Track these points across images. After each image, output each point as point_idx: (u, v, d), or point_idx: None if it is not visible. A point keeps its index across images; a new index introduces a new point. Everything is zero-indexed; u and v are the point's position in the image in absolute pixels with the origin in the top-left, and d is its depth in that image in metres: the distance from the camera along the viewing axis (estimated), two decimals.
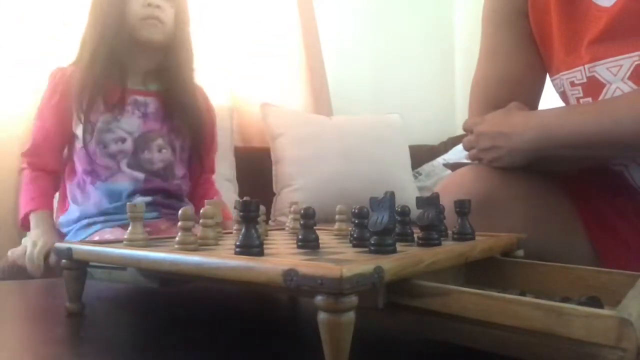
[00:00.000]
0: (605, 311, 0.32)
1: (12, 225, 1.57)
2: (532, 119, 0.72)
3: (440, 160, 2.09)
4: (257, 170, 1.81)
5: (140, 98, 1.27)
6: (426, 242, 0.48)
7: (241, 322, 0.55)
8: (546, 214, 0.74)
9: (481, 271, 0.54)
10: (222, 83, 1.93)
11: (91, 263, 0.57)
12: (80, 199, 1.23)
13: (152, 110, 1.28)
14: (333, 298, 0.32)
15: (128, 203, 0.53)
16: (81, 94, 1.20)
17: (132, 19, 1.21)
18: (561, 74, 0.76)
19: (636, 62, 0.66)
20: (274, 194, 1.81)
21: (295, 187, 1.76)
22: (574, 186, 0.78)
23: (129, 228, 0.54)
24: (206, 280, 0.45)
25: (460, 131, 2.18)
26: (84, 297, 0.57)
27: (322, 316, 0.33)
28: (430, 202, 0.49)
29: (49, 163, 1.27)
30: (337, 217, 0.66)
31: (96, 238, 1.16)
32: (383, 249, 0.41)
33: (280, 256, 0.42)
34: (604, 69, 0.69)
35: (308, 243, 0.47)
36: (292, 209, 0.71)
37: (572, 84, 0.75)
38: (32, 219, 1.20)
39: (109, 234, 1.16)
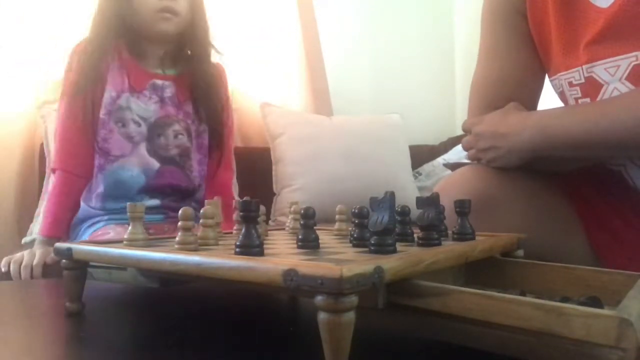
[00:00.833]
0: (605, 311, 0.32)
1: (12, 225, 1.57)
2: (529, 120, 0.72)
3: (440, 160, 2.09)
4: (257, 170, 1.81)
5: (158, 82, 1.26)
6: (426, 242, 0.48)
7: (241, 322, 0.55)
8: (546, 214, 0.74)
9: (481, 271, 0.54)
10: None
11: (91, 263, 0.57)
12: (86, 194, 1.21)
13: (169, 94, 1.27)
14: (333, 298, 0.32)
15: (128, 203, 0.53)
16: (100, 61, 1.18)
17: (146, 11, 1.18)
18: (559, 74, 0.76)
19: (633, 63, 0.66)
20: (274, 194, 1.81)
21: (295, 187, 1.76)
22: (574, 186, 0.78)
23: (129, 228, 0.54)
24: (206, 280, 0.45)
25: (460, 131, 2.18)
26: (84, 297, 0.57)
27: (322, 316, 0.33)
28: (430, 202, 0.49)
29: (79, 165, 1.21)
30: (337, 217, 0.66)
31: (99, 233, 1.15)
32: (383, 249, 0.41)
33: (280, 256, 0.42)
34: (601, 70, 0.69)
35: (308, 243, 0.47)
36: (292, 209, 0.71)
37: (571, 84, 0.75)
38: (40, 240, 1.17)
39: (111, 229, 1.15)
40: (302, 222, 0.47)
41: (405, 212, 0.51)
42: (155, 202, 1.22)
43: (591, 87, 0.71)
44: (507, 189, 0.72)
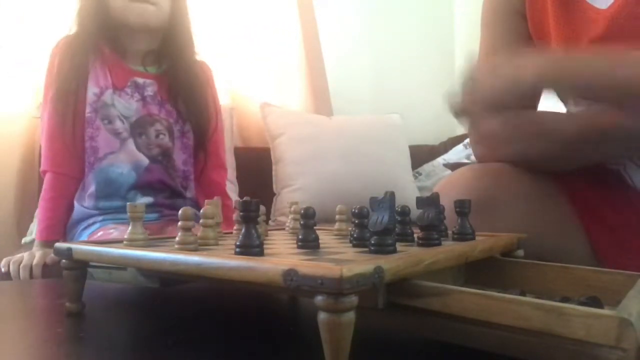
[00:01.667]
0: (605, 311, 0.32)
1: (12, 226, 1.57)
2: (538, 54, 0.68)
3: (440, 160, 2.09)
4: (257, 170, 1.81)
5: (139, 80, 1.25)
6: (426, 242, 0.48)
7: (241, 322, 0.55)
8: (546, 213, 0.74)
9: (481, 271, 0.54)
10: (222, 83, 1.93)
11: (91, 263, 0.57)
12: (79, 194, 1.20)
13: (151, 93, 1.25)
14: (333, 298, 0.32)
15: (128, 203, 0.53)
16: (83, 57, 1.18)
17: (121, 1, 1.17)
18: None
19: None
20: (274, 194, 1.81)
21: (295, 187, 1.76)
22: (573, 186, 0.78)
23: (129, 228, 0.54)
24: (206, 280, 0.45)
25: (460, 131, 2.19)
26: (84, 297, 0.57)
27: (322, 316, 0.33)
28: (430, 202, 0.49)
29: (68, 165, 1.19)
30: (337, 217, 0.66)
31: (100, 233, 1.14)
32: (383, 249, 0.41)
33: (280, 256, 0.42)
34: None
35: (308, 243, 0.47)
36: (292, 209, 0.71)
37: None
38: (39, 243, 1.16)
39: (112, 229, 1.14)
40: (302, 222, 0.47)
41: (405, 212, 0.51)
42: (148, 199, 1.21)
43: None
44: (507, 189, 0.72)
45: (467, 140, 2.01)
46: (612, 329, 0.31)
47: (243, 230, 0.42)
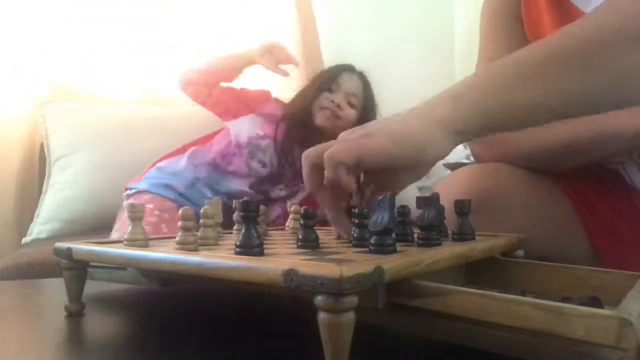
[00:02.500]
0: (605, 311, 0.32)
1: (12, 226, 1.57)
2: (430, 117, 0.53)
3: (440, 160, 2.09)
4: None
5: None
6: (426, 242, 0.48)
7: (241, 322, 0.55)
8: (546, 213, 0.74)
9: (481, 271, 0.54)
10: None
11: (91, 263, 0.57)
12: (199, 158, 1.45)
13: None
14: (333, 298, 0.32)
15: (128, 203, 0.53)
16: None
17: (315, 106, 1.52)
18: None
19: None
20: None
21: None
22: (573, 186, 0.78)
23: (129, 228, 0.54)
24: (206, 280, 0.45)
25: None
26: (84, 297, 0.57)
27: (322, 316, 0.33)
28: (430, 202, 0.49)
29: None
30: None
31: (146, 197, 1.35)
32: (383, 249, 0.41)
33: (280, 256, 0.42)
34: None
35: (308, 243, 0.47)
36: (292, 209, 0.71)
37: None
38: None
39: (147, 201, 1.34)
40: (302, 222, 0.47)
41: (405, 212, 0.51)
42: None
43: None
44: (507, 189, 0.72)
45: None
46: (612, 329, 0.31)
47: (243, 230, 0.42)
